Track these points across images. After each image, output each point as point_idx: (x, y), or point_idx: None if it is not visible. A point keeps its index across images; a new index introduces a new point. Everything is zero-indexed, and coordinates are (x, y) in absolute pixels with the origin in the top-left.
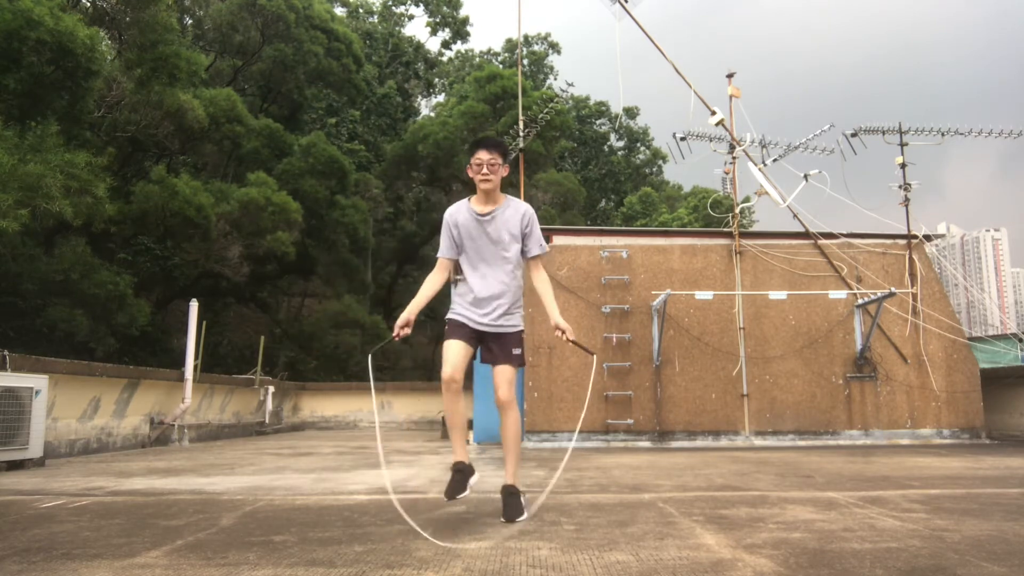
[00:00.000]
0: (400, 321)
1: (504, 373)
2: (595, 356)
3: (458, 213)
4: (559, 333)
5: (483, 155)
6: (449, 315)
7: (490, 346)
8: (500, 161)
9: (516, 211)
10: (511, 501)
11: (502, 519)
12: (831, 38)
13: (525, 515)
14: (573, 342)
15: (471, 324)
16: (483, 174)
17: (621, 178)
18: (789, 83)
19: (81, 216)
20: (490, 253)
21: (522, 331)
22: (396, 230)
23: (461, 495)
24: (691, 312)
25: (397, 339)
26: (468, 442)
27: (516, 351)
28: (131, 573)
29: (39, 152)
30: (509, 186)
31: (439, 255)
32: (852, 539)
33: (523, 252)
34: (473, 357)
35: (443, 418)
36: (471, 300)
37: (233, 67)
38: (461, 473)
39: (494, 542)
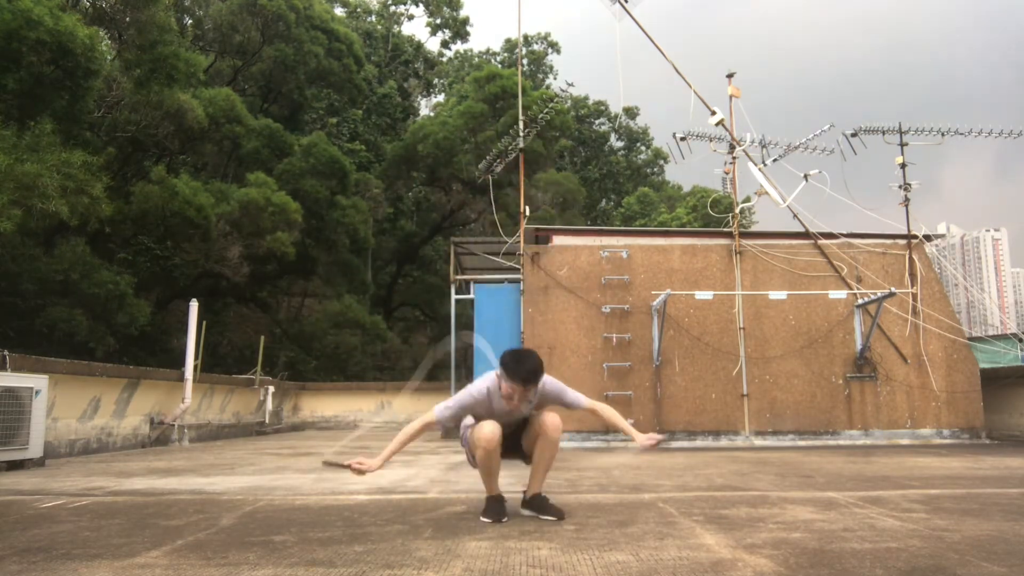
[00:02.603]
0: (364, 464)
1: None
2: None
3: (492, 402)
4: (646, 446)
5: (520, 389)
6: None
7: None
8: (533, 393)
9: (545, 391)
10: (550, 506)
11: (548, 517)
12: (830, 37)
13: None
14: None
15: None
16: (514, 403)
17: (621, 178)
18: (789, 83)
19: (77, 216)
20: (518, 419)
21: None
22: (396, 230)
23: (505, 519)
24: (691, 312)
25: (351, 468)
26: None
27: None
28: (131, 573)
29: (36, 152)
30: (508, 185)
31: (439, 419)
32: (852, 539)
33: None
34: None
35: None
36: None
37: (233, 67)
38: (502, 503)
39: (494, 542)
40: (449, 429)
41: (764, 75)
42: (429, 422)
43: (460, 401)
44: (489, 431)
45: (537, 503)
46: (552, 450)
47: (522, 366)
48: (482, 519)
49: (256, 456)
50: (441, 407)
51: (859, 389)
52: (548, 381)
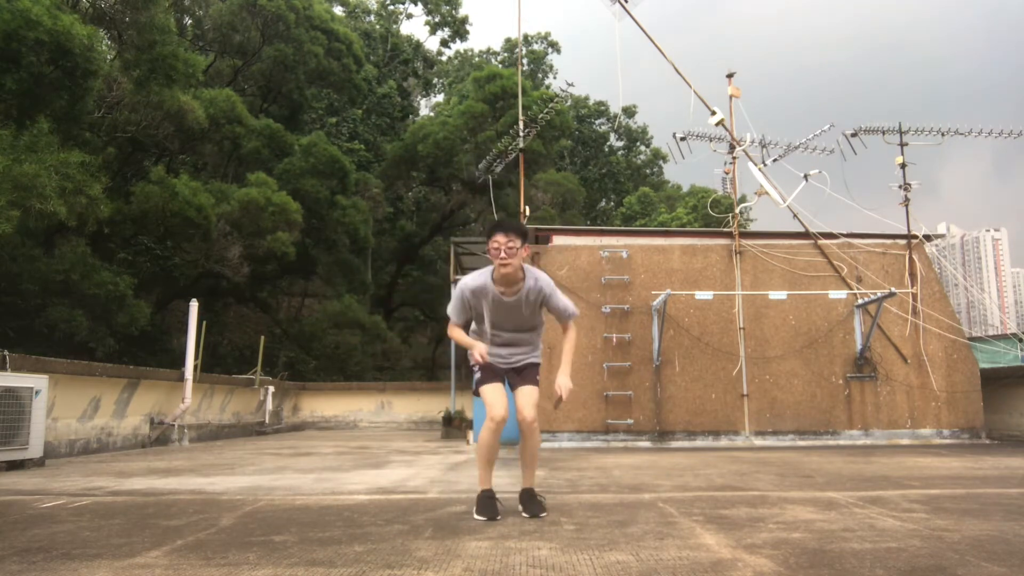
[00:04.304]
0: (480, 350)
1: (530, 395)
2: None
3: (481, 289)
4: (556, 387)
5: (500, 239)
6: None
7: (512, 375)
8: (518, 244)
9: (537, 285)
10: (536, 501)
11: (525, 514)
12: (829, 36)
13: (546, 512)
14: (557, 403)
15: (498, 364)
16: (501, 258)
17: (621, 178)
18: (789, 83)
19: (75, 216)
20: (516, 321)
21: (540, 363)
22: (396, 230)
23: (499, 517)
24: (691, 312)
25: (477, 364)
26: (468, 442)
27: (537, 376)
28: (131, 573)
29: (34, 152)
30: (508, 185)
31: (452, 319)
32: (852, 539)
33: (556, 317)
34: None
35: (443, 416)
36: (496, 348)
37: (233, 67)
38: (493, 500)
39: (494, 542)
40: (449, 431)
41: (764, 75)
42: (452, 327)
43: (457, 295)
44: (500, 405)
45: (523, 498)
46: (530, 443)
47: (499, 222)
48: (475, 516)
49: (256, 456)
50: (450, 309)
51: (859, 389)
52: (545, 278)
